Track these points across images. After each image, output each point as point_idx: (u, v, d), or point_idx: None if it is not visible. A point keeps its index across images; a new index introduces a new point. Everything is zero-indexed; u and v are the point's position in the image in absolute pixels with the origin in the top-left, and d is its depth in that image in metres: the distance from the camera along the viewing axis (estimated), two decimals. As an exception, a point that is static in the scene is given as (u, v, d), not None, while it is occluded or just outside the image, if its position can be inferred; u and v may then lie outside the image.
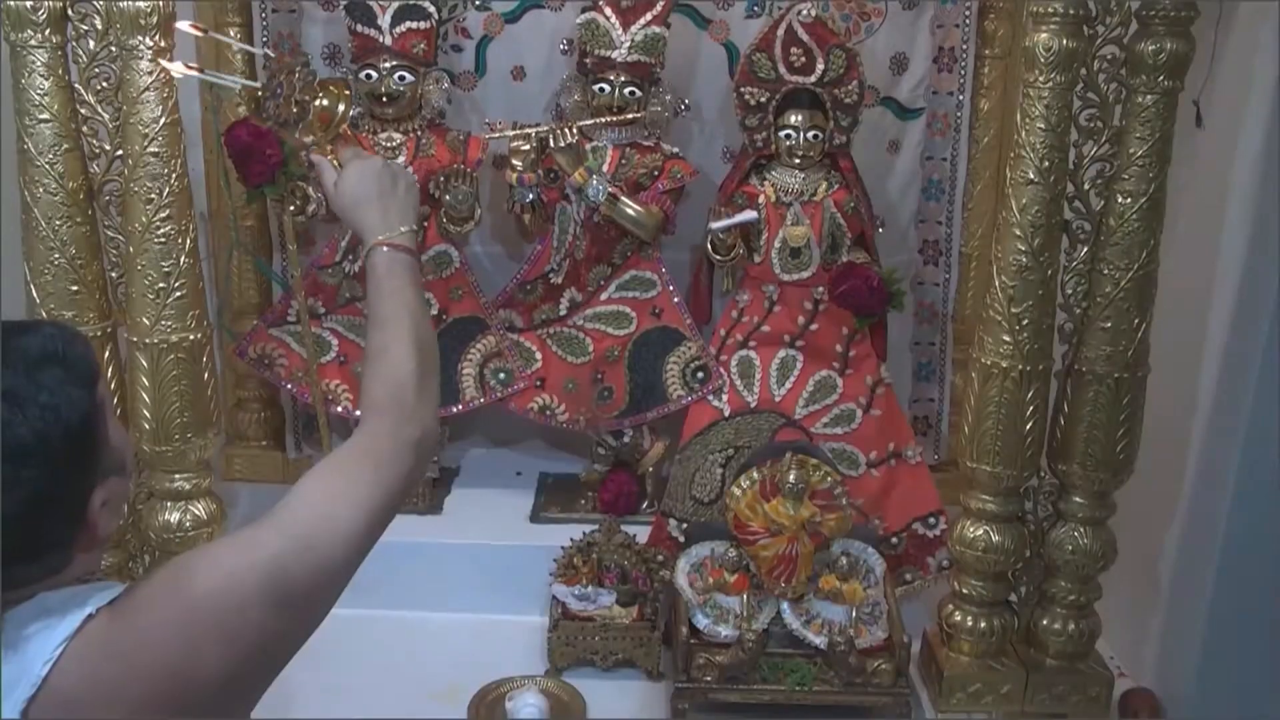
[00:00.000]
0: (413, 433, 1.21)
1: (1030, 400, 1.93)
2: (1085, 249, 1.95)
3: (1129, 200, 1.86)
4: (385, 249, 1.33)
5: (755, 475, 2.07)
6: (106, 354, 1.97)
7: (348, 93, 1.56)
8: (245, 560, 1.04)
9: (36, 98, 1.84)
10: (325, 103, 1.53)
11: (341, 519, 1.10)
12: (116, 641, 0.99)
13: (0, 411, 0.96)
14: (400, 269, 1.33)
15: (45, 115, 1.85)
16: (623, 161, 2.34)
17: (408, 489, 1.21)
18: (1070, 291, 1.97)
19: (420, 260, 1.40)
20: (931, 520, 2.32)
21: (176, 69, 1.71)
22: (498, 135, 2.29)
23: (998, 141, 2.52)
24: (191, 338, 1.94)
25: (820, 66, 2.23)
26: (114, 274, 2.01)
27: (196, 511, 2.01)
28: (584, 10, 2.29)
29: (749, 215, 2.27)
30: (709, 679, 2.01)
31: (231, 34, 2.48)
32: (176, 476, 1.99)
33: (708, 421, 2.38)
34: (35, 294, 1.91)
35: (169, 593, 1.03)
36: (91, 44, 1.89)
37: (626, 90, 2.28)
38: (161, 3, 1.81)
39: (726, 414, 2.37)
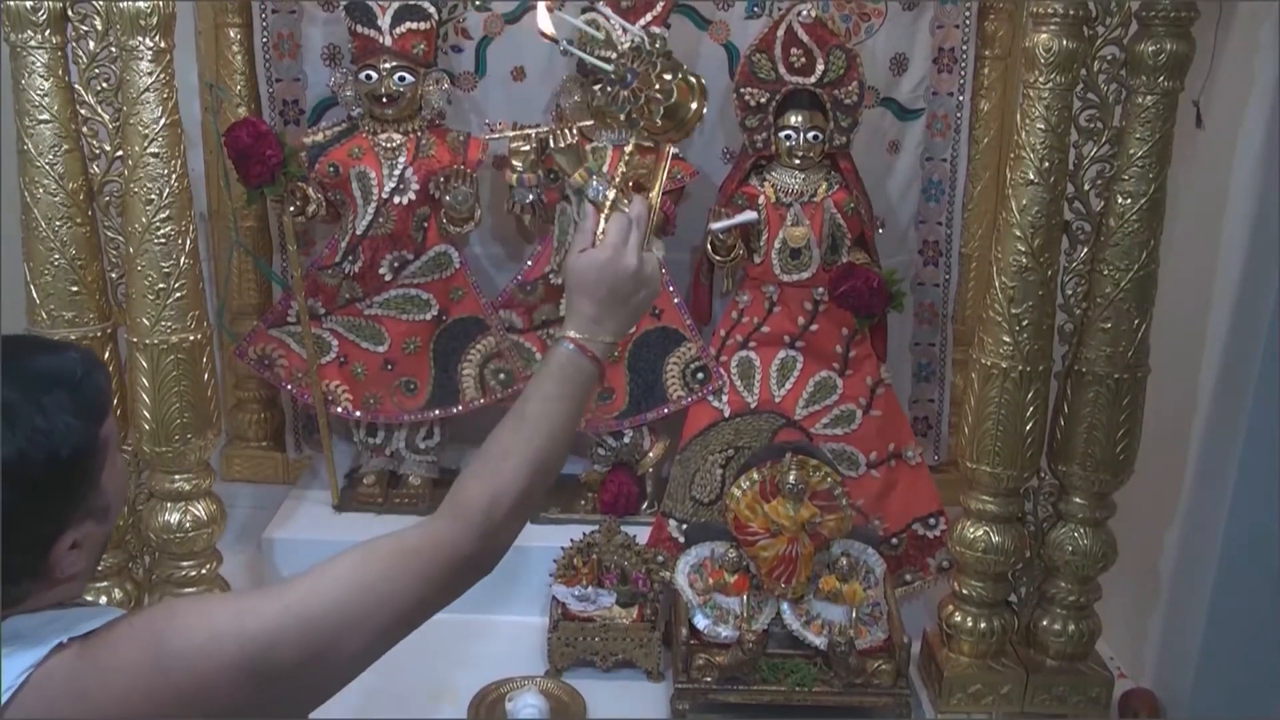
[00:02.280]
0: (479, 548, 1.13)
1: (1030, 401, 1.93)
2: (1085, 249, 1.95)
3: (1129, 201, 1.86)
4: (573, 347, 1.24)
5: (755, 476, 2.07)
6: (106, 354, 1.97)
7: (703, 92, 1.28)
8: (234, 627, 0.99)
9: (36, 98, 1.84)
10: (675, 98, 1.26)
11: (358, 614, 1.04)
12: (79, 678, 0.95)
13: None
14: (574, 376, 1.23)
15: (45, 116, 1.85)
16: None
17: (447, 602, 1.13)
18: (1070, 292, 1.97)
19: (604, 372, 1.27)
20: (931, 521, 2.32)
21: (545, 24, 1.42)
22: (498, 136, 2.29)
23: (998, 142, 2.52)
24: (191, 338, 1.93)
25: (820, 67, 2.23)
26: (114, 274, 2.01)
27: (196, 512, 2.01)
28: (584, 10, 2.28)
29: (749, 216, 2.26)
30: (709, 679, 2.01)
31: (231, 34, 2.48)
32: (176, 477, 1.99)
33: (708, 422, 2.38)
34: (35, 294, 1.91)
35: (145, 639, 0.98)
36: (91, 44, 1.89)
37: (626, 91, 2.28)
38: (161, 3, 1.81)
39: (726, 414, 2.37)
